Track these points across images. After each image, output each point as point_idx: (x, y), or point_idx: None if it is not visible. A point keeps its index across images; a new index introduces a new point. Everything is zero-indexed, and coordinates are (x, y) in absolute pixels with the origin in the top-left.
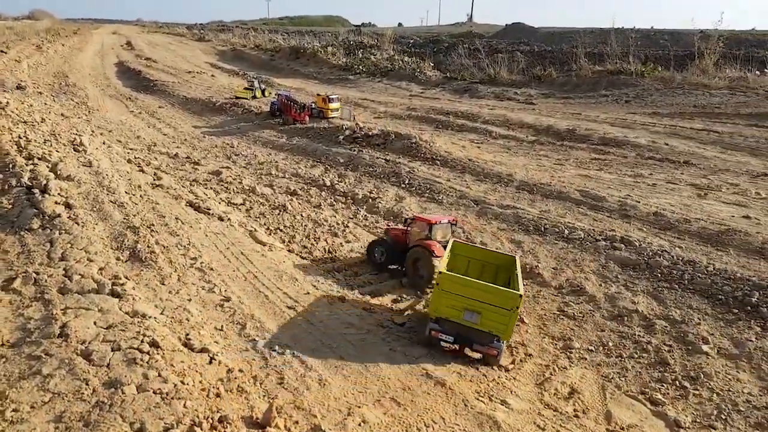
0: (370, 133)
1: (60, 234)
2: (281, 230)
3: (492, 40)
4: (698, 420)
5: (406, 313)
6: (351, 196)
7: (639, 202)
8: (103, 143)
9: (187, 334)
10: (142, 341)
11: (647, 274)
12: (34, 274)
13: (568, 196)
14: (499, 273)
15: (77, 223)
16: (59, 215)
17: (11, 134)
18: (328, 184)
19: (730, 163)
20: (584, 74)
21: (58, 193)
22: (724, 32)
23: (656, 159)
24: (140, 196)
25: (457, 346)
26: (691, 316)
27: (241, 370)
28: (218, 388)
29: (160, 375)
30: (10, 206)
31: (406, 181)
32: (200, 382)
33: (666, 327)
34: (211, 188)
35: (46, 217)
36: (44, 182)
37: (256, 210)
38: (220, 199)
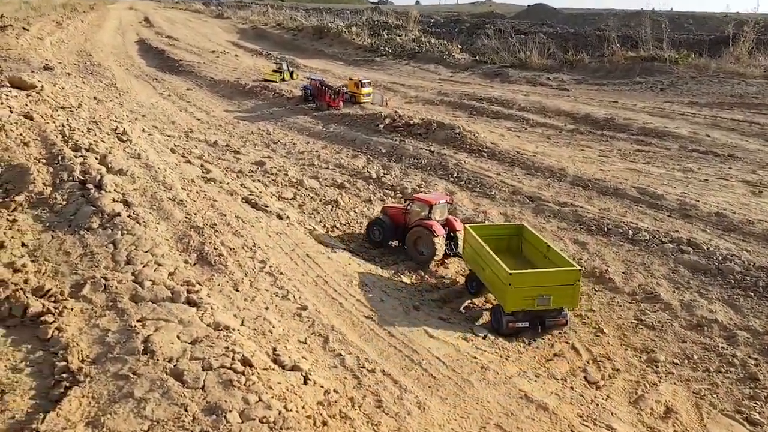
0: (411, 122)
1: (122, 235)
2: (337, 227)
3: (514, 20)
4: None
5: (480, 323)
6: (400, 189)
7: (698, 201)
8: (143, 130)
9: (275, 349)
10: (233, 359)
11: (719, 280)
12: (102, 280)
13: (624, 192)
14: (510, 242)
15: (138, 223)
16: (119, 214)
17: (54, 122)
18: (374, 176)
19: None
20: (617, 60)
21: (114, 190)
22: (761, 17)
23: (700, 152)
24: (196, 192)
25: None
26: None
27: (336, 391)
28: (322, 414)
29: (261, 399)
30: (65, 202)
31: (455, 174)
32: (303, 407)
33: (748, 339)
34: (259, 181)
35: (106, 216)
36: (98, 177)
37: (309, 206)
38: (271, 193)
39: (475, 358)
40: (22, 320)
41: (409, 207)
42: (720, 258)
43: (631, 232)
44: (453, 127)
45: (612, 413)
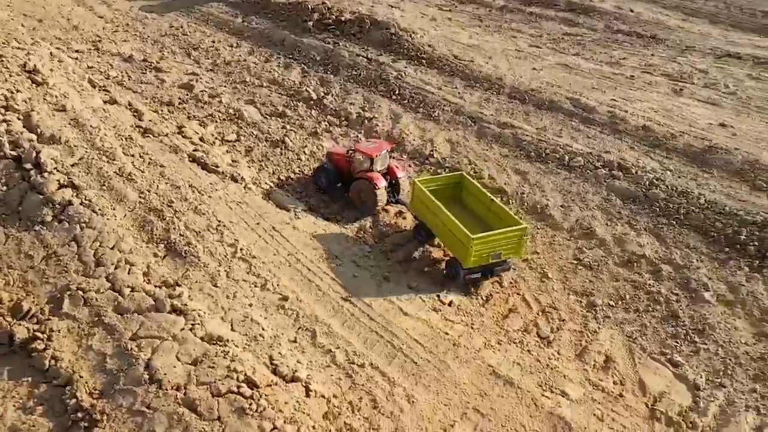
0: (342, 18)
1: (82, 229)
2: (291, 178)
3: None
4: (710, 379)
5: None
6: (344, 115)
7: (627, 111)
8: (51, 55)
9: (271, 357)
10: (237, 380)
11: (647, 208)
12: (79, 292)
13: (559, 106)
14: (453, 191)
15: (95, 212)
16: (70, 202)
17: None
18: (315, 97)
19: (694, 36)
20: None
21: (56, 169)
22: None
23: (624, 33)
24: (139, 156)
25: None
26: (691, 259)
27: (335, 396)
28: (330, 430)
29: (275, 427)
30: (5, 188)
31: (397, 91)
32: (313, 427)
33: (671, 273)
34: (195, 117)
35: (57, 206)
36: (33, 153)
37: (257, 151)
38: (213, 136)
39: (446, 333)
40: (11, 347)
41: (351, 156)
42: (647, 183)
43: (567, 158)
44: (387, 26)
45: (564, 376)
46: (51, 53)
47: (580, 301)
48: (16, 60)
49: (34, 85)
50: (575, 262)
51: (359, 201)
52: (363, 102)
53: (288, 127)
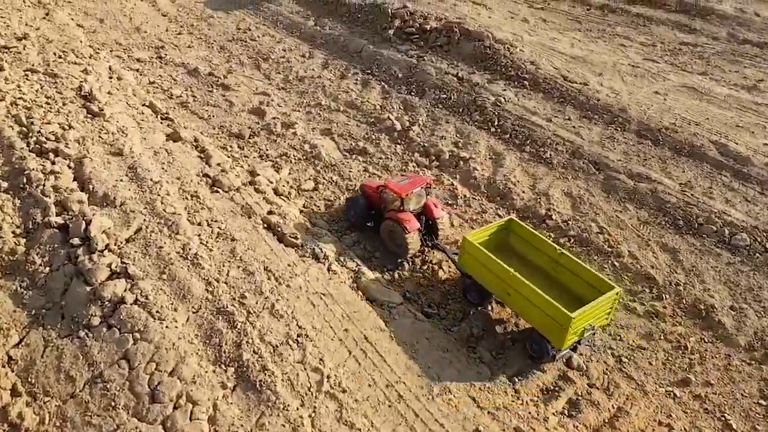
0: (428, 26)
1: (135, 342)
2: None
3: None
4: None
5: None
6: (435, 153)
7: None
8: (111, 71)
9: None
10: None
11: None
12: None
13: (703, 153)
14: (498, 236)
15: (152, 315)
16: (123, 300)
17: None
18: (399, 127)
19: None
20: None
21: (107, 248)
22: None
23: (753, 44)
24: (207, 224)
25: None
26: None
27: None
28: None
29: None
30: (47, 269)
31: (496, 122)
32: None
33: None
34: (266, 155)
35: (107, 304)
36: (81, 223)
37: (338, 205)
38: (288, 185)
39: None
40: None
41: (381, 193)
42: None
43: (726, 231)
44: (481, 37)
45: None
46: (110, 67)
47: None
48: (71, 81)
49: (89, 116)
50: (765, 403)
51: (390, 242)
52: (456, 135)
53: (371, 169)
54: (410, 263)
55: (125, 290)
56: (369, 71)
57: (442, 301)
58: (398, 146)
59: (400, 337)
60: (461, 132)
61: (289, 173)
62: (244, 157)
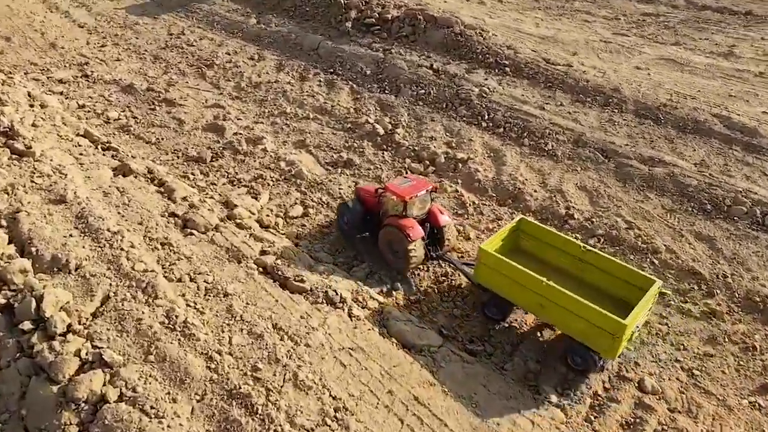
0: (389, 15)
1: None
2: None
3: None
4: None
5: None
6: (428, 157)
7: None
8: (30, 97)
9: None
10: None
11: None
12: None
13: (708, 128)
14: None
15: (145, 413)
16: (104, 397)
17: None
18: (381, 131)
19: None
20: None
21: (69, 327)
22: None
23: (713, 9)
24: (190, 278)
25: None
26: None
27: None
28: None
29: None
30: None
31: (486, 115)
32: None
33: None
34: (237, 180)
35: (82, 406)
36: (31, 299)
37: (336, 233)
38: (274, 215)
39: None
40: None
41: (381, 196)
42: None
43: (758, 211)
44: (449, 23)
45: None
46: (29, 93)
47: None
48: None
49: (15, 157)
50: None
51: (390, 254)
52: (446, 134)
53: (362, 182)
54: (413, 279)
55: (104, 384)
56: (332, 70)
57: (484, 333)
58: (385, 153)
59: (454, 390)
60: (451, 130)
61: (270, 199)
62: (212, 185)
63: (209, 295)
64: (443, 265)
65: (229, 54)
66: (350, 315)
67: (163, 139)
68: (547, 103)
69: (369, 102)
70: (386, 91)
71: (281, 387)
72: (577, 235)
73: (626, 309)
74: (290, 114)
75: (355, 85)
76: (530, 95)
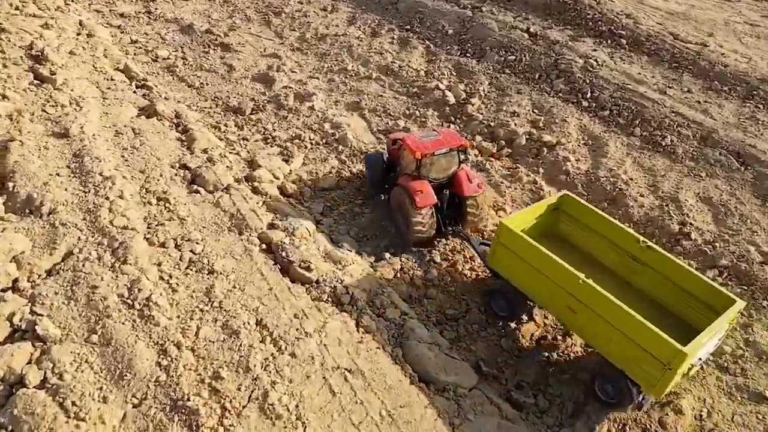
0: None
1: None
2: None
3: None
4: None
5: None
6: (505, 136)
7: None
8: (81, 26)
9: None
10: None
11: None
12: None
13: None
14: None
15: (65, 411)
16: (23, 380)
17: None
18: (452, 100)
19: None
20: None
21: (15, 283)
22: None
23: None
24: (175, 243)
25: None
26: None
27: None
28: None
29: None
30: None
31: (588, 93)
32: None
33: None
34: (271, 137)
35: None
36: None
37: (367, 218)
38: (301, 183)
39: None
40: None
41: (401, 149)
42: None
43: None
44: None
45: None
46: (80, 22)
47: None
48: (21, 38)
49: (35, 83)
50: None
51: (399, 217)
52: (532, 111)
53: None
54: (422, 257)
55: (30, 362)
56: (408, 27)
57: (540, 378)
58: (452, 125)
59: None
60: (540, 106)
61: (304, 164)
62: (243, 140)
63: (191, 270)
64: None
65: (301, 3)
66: (358, 323)
67: (207, 84)
68: (670, 87)
69: (444, 65)
70: (468, 54)
71: (242, 408)
72: (691, 263)
73: (688, 333)
74: (351, 71)
75: (432, 45)
76: (649, 75)
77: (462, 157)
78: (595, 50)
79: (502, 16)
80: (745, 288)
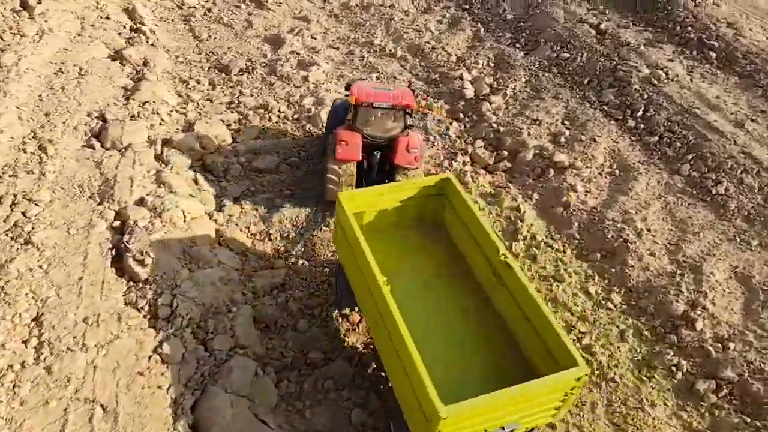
0: None
1: None
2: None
3: None
4: None
5: None
6: (511, 146)
7: None
8: None
9: None
10: None
11: None
12: None
13: None
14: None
15: None
16: None
17: None
18: (471, 93)
19: None
20: None
21: None
22: None
23: None
24: (12, 200)
25: None
26: None
27: None
28: None
29: None
30: None
31: (639, 109)
32: None
33: None
34: (238, 105)
35: None
36: None
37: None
38: (223, 182)
39: None
40: None
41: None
42: None
43: None
44: None
45: None
46: None
47: None
48: None
49: (18, 10)
50: None
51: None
52: (561, 121)
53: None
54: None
55: None
56: (467, 6)
57: None
58: (457, 122)
59: None
60: (573, 117)
61: (258, 138)
62: (207, 100)
63: (6, 235)
64: None
65: None
66: (157, 349)
67: (212, 38)
68: (752, 120)
69: (484, 53)
70: (518, 45)
71: None
72: (669, 350)
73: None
74: (376, 47)
75: (482, 29)
76: (730, 101)
77: (408, 121)
78: (671, 60)
79: (575, 6)
80: (747, 420)
